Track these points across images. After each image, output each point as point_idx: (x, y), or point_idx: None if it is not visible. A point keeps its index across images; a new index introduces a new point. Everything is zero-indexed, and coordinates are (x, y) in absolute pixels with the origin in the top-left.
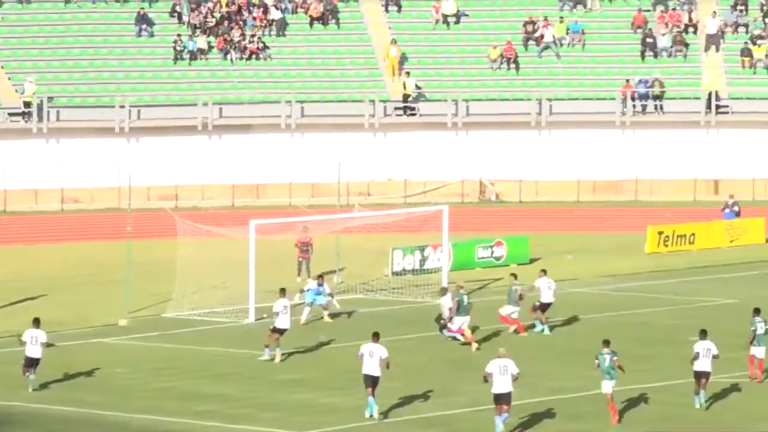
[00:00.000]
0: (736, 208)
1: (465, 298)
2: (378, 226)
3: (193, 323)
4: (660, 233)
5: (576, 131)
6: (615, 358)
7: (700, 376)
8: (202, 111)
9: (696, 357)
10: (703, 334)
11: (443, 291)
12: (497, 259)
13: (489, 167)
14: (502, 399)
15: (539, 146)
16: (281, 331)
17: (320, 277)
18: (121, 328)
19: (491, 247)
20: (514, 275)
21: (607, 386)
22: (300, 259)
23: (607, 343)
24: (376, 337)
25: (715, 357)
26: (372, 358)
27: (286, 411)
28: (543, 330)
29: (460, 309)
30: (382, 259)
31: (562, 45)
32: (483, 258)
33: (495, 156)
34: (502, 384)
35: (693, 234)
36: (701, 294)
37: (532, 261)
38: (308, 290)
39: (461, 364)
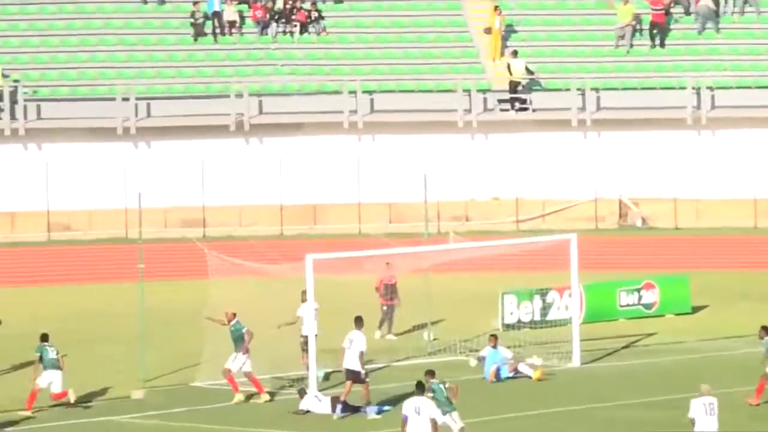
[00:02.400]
0: None
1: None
2: (482, 261)
3: (232, 395)
4: None
5: (750, 131)
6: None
7: None
8: (235, 105)
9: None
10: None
11: None
12: (647, 307)
13: (631, 181)
14: None
15: (699, 152)
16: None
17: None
18: (134, 401)
19: (638, 290)
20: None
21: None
22: (384, 307)
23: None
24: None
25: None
26: (419, 415)
27: None
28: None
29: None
30: (488, 307)
31: (725, 14)
32: (628, 306)
33: (639, 165)
34: None
35: None
36: None
37: (695, 310)
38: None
39: None
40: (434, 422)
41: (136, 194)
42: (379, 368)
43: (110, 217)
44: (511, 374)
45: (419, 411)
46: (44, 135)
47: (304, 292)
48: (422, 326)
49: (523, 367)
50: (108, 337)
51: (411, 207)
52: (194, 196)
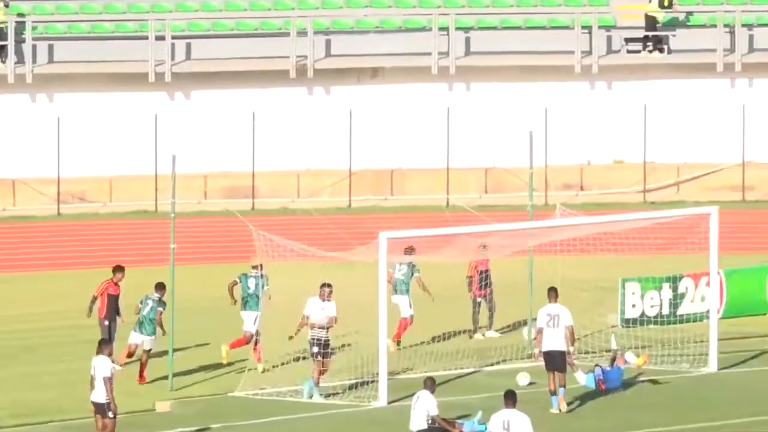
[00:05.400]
0: None
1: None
2: (598, 241)
3: (283, 408)
4: None
5: None
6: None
7: None
8: (296, 46)
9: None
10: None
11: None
12: None
13: None
14: None
15: None
16: None
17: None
18: (160, 415)
19: None
20: None
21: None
22: (476, 299)
23: None
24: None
25: None
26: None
27: None
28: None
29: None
30: (606, 298)
31: None
32: None
33: None
34: None
35: None
36: None
37: None
38: None
39: None
40: None
41: (170, 157)
42: (466, 374)
43: (136, 185)
44: (622, 367)
45: (508, 426)
46: (57, 83)
47: (323, 285)
48: (522, 322)
49: (630, 357)
50: (128, 334)
51: (512, 173)
52: (242, 160)
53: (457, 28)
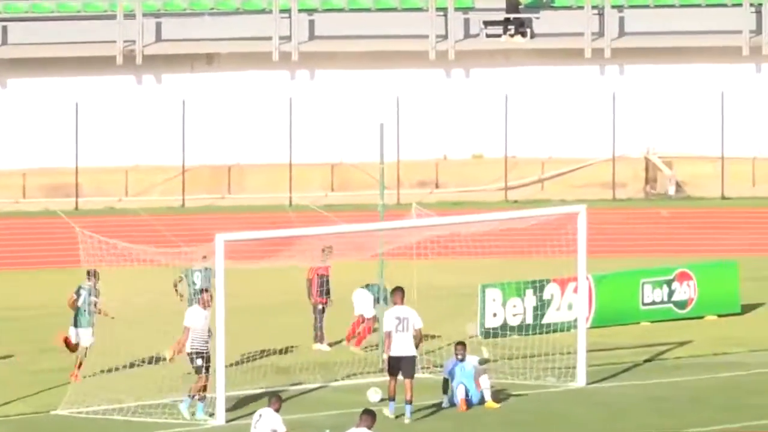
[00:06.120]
0: None
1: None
2: (455, 243)
3: (109, 427)
4: None
5: None
6: None
7: None
8: (123, 29)
9: None
10: None
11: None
12: (680, 305)
13: (664, 133)
14: None
15: (758, 95)
16: None
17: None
18: None
19: (669, 282)
20: None
21: None
22: (320, 307)
23: None
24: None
25: None
26: None
27: None
28: None
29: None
30: (463, 306)
31: None
32: (654, 304)
33: (675, 113)
34: None
35: None
36: None
37: (745, 310)
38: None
39: None
40: None
41: None
42: (312, 390)
43: None
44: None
45: None
46: None
47: (202, 291)
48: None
49: (484, 381)
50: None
51: (361, 169)
52: (64, 155)
53: (300, 10)
